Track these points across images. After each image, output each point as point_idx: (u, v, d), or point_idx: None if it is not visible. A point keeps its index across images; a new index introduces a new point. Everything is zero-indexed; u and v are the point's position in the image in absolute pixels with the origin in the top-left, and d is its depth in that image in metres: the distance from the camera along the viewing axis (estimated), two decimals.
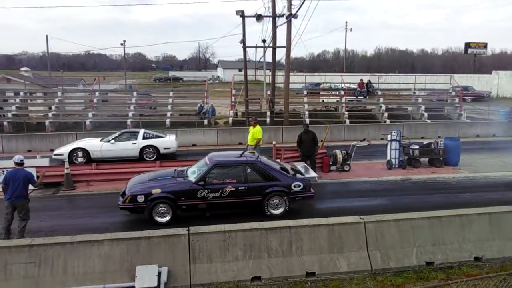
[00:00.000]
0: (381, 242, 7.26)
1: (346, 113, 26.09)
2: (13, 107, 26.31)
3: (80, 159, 14.99)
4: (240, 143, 19.63)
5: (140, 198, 9.20)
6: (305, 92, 29.58)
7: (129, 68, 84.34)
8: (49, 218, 9.89)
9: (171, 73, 79.71)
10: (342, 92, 29.24)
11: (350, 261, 7.10)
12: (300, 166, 11.31)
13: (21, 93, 28.27)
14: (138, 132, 16.49)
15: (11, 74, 39.46)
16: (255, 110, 25.80)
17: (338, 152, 14.20)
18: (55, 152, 15.75)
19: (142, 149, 15.95)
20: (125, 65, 64.28)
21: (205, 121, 24.68)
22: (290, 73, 24.59)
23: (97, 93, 28.33)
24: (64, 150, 15.59)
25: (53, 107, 26.73)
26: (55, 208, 10.79)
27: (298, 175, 9.96)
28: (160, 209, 9.22)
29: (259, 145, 13.42)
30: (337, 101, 29.64)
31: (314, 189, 10.05)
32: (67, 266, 6.54)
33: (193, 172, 9.73)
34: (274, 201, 9.53)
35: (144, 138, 16.18)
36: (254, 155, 10.06)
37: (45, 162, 13.78)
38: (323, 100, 31.50)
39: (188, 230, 6.96)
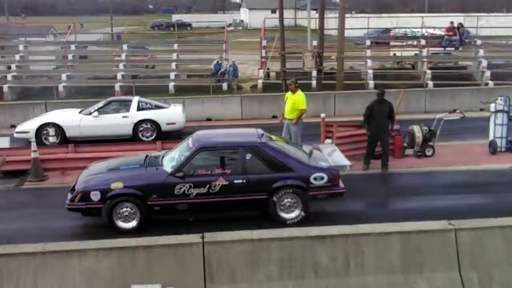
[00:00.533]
0: (479, 258, 7.16)
1: (429, 72, 25.61)
2: None
3: (51, 139, 15.30)
4: (274, 117, 19.45)
5: (95, 196, 9.40)
6: (368, 43, 29.16)
7: (117, 11, 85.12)
8: (11, 219, 10.21)
9: (175, 17, 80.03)
10: (423, 42, 28.61)
11: (433, 284, 7.05)
12: (326, 147, 11.31)
13: None
14: (130, 101, 16.72)
15: None
16: (295, 69, 25.67)
17: (416, 129, 14.06)
18: (18, 128, 16.23)
19: (137, 125, 16.26)
20: (111, 7, 64.95)
21: (224, 85, 24.81)
22: (347, 15, 24.25)
23: (73, 47, 28.86)
24: (29, 126, 16.04)
25: (13, 67, 27.47)
26: (20, 206, 11.15)
27: (321, 163, 10.01)
28: (123, 210, 9.46)
29: (302, 119, 13.40)
30: (416, 54, 29.08)
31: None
32: (37, 285, 6.74)
33: (171, 159, 9.92)
34: (286, 200, 9.67)
35: (139, 109, 16.46)
36: (262, 136, 10.15)
37: (5, 142, 14.24)
38: (394, 54, 31.01)
39: (203, 237, 7.06)
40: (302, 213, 9.68)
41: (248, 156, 9.64)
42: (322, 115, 14.41)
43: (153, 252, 6.93)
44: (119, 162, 10.44)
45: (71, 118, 16.21)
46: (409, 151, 14.07)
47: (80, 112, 16.54)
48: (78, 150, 13.44)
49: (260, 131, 10.59)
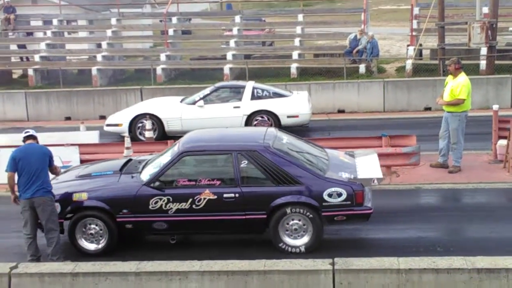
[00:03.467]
0: None
1: None
2: (42, 45, 29.02)
3: (148, 133, 16.03)
4: (428, 109, 19.31)
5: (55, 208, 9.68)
6: None
7: None
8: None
9: None
10: None
11: None
12: (362, 154, 11.14)
13: (54, 22, 30.97)
14: (243, 88, 17.20)
15: None
16: (457, 45, 24.98)
17: None
18: (109, 120, 17.25)
19: (251, 118, 16.69)
20: None
21: (361, 67, 24.58)
22: None
23: (174, 19, 29.83)
24: (122, 117, 16.97)
25: (103, 45, 28.82)
26: None
27: (342, 174, 9.91)
28: (88, 227, 9.82)
29: (465, 112, 13.16)
30: None
31: None
32: None
33: (155, 165, 10.17)
34: (292, 221, 9.65)
35: (253, 97, 16.90)
36: (269, 138, 10.08)
37: (94, 136, 15.21)
38: None
39: (333, 263, 7.21)
40: (312, 240, 9.61)
41: (244, 163, 9.68)
42: (495, 106, 14.04)
43: (269, 279, 7.13)
44: (93, 168, 10.94)
45: (171, 108, 16.93)
46: None
47: (181, 101, 17.22)
48: None
49: (272, 131, 10.66)
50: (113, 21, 30.22)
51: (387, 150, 13.10)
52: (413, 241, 9.98)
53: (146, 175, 9.93)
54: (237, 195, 9.57)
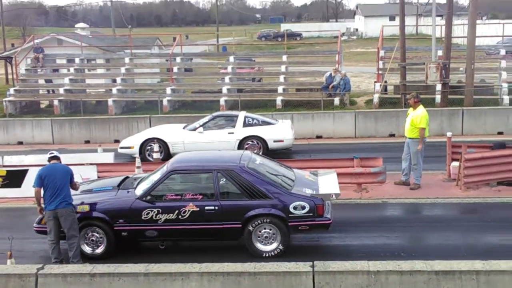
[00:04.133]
0: None
1: None
2: (66, 80, 29.19)
3: (155, 155, 16.09)
4: (392, 135, 19.41)
5: None
6: (502, 52, 27.94)
7: (223, 20, 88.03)
8: None
9: (284, 27, 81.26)
10: None
11: None
12: (324, 173, 11.16)
13: (76, 60, 31.16)
14: (236, 117, 17.20)
15: (63, 33, 43.69)
16: (417, 82, 25.16)
17: None
18: (122, 143, 17.20)
19: (243, 142, 16.66)
20: (218, 17, 67.17)
21: (336, 100, 24.72)
22: (478, 21, 23.42)
23: (178, 59, 30.02)
24: (134, 141, 16.95)
25: (118, 80, 28.99)
26: None
27: (305, 190, 9.91)
28: (89, 235, 9.83)
29: (424, 138, 13.21)
30: None
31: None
32: None
33: (147, 182, 10.20)
34: (263, 230, 9.66)
35: (245, 125, 16.90)
36: (244, 159, 10.13)
37: (109, 157, 15.15)
38: None
39: (313, 266, 7.17)
40: (280, 246, 9.62)
41: (223, 180, 9.73)
42: (448, 134, 14.20)
43: (258, 279, 7.09)
44: (95, 184, 10.98)
45: (175, 134, 16.94)
46: None
47: (184, 128, 17.24)
48: None
49: (248, 153, 10.72)
50: (127, 60, 30.48)
51: (358, 170, 13.12)
52: (381, 247, 9.96)
53: (139, 190, 9.97)
54: (216, 207, 9.62)
